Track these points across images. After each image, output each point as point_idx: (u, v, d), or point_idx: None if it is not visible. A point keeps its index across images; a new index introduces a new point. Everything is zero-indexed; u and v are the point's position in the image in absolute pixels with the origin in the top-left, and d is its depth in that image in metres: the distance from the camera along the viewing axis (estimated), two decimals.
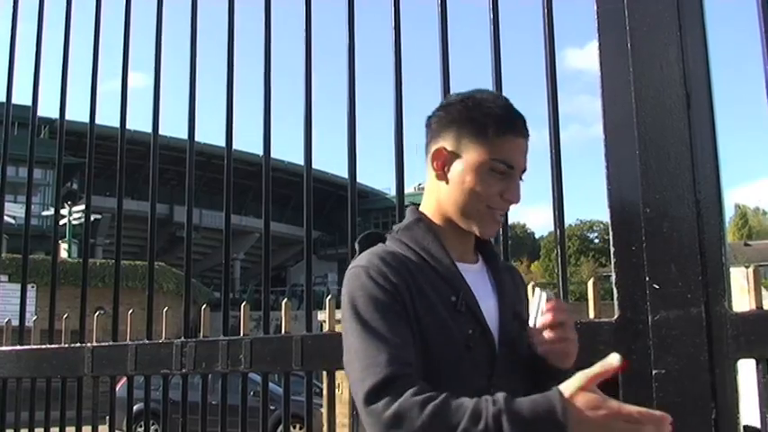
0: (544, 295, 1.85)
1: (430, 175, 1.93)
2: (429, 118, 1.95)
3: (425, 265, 1.81)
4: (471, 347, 1.78)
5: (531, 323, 1.86)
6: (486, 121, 1.83)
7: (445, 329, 1.75)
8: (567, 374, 1.69)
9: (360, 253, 1.89)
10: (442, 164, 1.88)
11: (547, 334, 1.83)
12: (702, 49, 2.69)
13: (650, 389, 2.57)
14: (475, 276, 1.90)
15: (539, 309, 1.85)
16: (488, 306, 1.87)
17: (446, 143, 1.87)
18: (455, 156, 1.86)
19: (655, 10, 2.75)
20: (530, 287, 2.24)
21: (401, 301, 1.72)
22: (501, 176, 1.84)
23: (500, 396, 1.53)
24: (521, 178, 1.89)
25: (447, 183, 1.87)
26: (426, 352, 1.72)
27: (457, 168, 1.85)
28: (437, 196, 1.91)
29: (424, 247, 1.84)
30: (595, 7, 2.85)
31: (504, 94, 3.04)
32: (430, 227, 1.89)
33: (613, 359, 1.49)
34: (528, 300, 2.05)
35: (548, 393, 1.50)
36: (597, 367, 1.50)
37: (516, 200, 1.87)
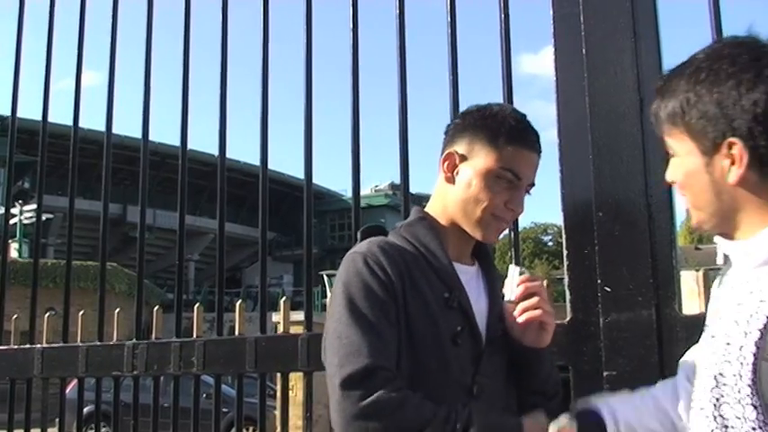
0: (517, 270, 1.90)
1: (439, 177, 1.98)
2: (448, 125, 2.03)
3: (422, 260, 1.86)
4: (458, 344, 1.82)
5: (506, 299, 1.91)
6: (499, 129, 1.89)
7: (434, 323, 1.79)
8: (543, 366, 1.94)
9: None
10: (452, 167, 1.94)
11: (522, 306, 1.88)
12: (656, 56, 2.73)
13: (601, 390, 2.60)
14: (469, 277, 1.94)
15: (513, 284, 1.90)
16: (480, 307, 1.91)
17: (458, 147, 1.94)
18: (465, 159, 1.92)
19: (610, 16, 2.78)
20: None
21: (393, 293, 1.76)
22: (507, 185, 1.89)
23: (472, 407, 1.66)
24: (528, 191, 1.95)
25: (454, 185, 1.93)
26: (413, 344, 1.76)
27: (465, 172, 1.91)
28: (444, 198, 1.97)
29: (424, 243, 1.89)
30: (551, 12, 2.88)
31: (460, 98, 3.06)
32: (431, 225, 1.94)
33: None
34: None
35: (513, 420, 1.73)
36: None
37: (519, 210, 1.93)
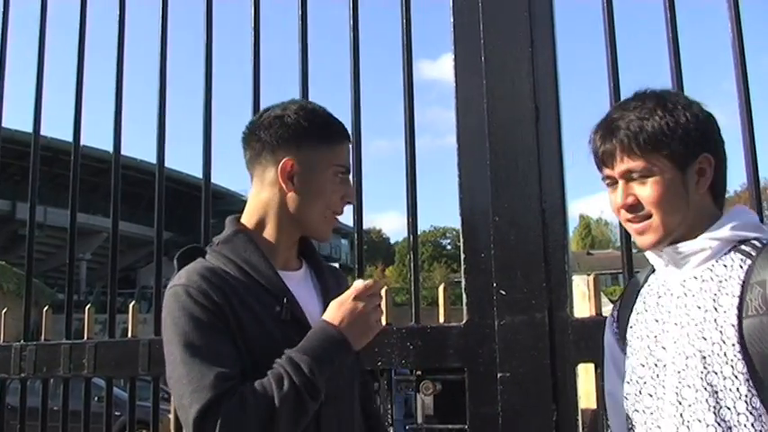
0: (360, 281, 1.87)
1: (257, 187, 1.94)
2: (252, 133, 1.96)
3: (247, 278, 1.82)
4: None
5: None
6: (327, 130, 1.92)
7: (271, 339, 1.76)
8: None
9: (179, 270, 1.87)
10: (289, 175, 1.89)
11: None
12: (552, 65, 2.81)
13: (495, 391, 2.65)
14: (298, 282, 1.92)
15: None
16: (313, 311, 1.89)
17: (289, 155, 1.89)
18: (300, 166, 1.88)
19: (508, 26, 2.85)
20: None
21: (223, 317, 1.73)
22: (341, 180, 1.92)
23: (285, 352, 1.71)
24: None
25: (294, 193, 1.89)
26: (256, 364, 1.72)
27: (305, 178, 1.88)
28: (265, 207, 1.92)
29: (245, 258, 1.84)
30: (451, 20, 2.93)
31: (361, 103, 3.08)
32: (250, 238, 1.89)
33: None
34: None
35: (317, 326, 1.78)
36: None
37: (353, 200, 2.00)
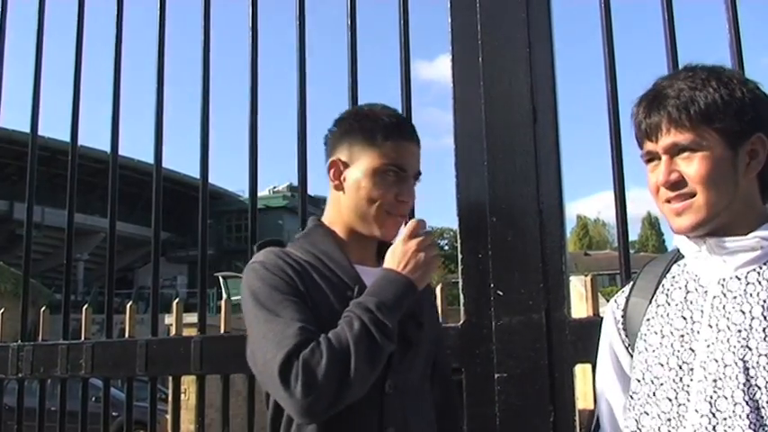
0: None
1: (330, 188, 2.02)
2: (326, 136, 2.06)
3: (321, 265, 1.90)
4: None
5: None
6: (374, 128, 1.94)
7: (338, 321, 1.79)
8: None
9: None
10: (338, 174, 1.98)
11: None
12: (549, 67, 2.81)
13: (493, 392, 2.65)
14: (373, 277, 1.94)
15: None
16: None
17: (340, 155, 1.97)
18: (348, 165, 1.96)
19: (506, 27, 2.85)
20: None
21: (296, 288, 1.81)
22: (395, 179, 1.93)
23: (354, 300, 1.79)
24: (416, 180, 2.00)
25: (344, 192, 1.97)
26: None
27: (352, 177, 1.95)
28: (338, 206, 2.00)
29: (322, 249, 1.93)
30: (449, 21, 2.93)
31: (359, 100, 3.08)
32: (327, 231, 1.98)
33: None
34: (431, 304, 2.20)
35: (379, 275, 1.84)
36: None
37: (411, 200, 1.98)
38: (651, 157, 1.64)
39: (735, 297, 1.54)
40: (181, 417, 3.48)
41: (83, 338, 3.47)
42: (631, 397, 1.69)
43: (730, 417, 1.46)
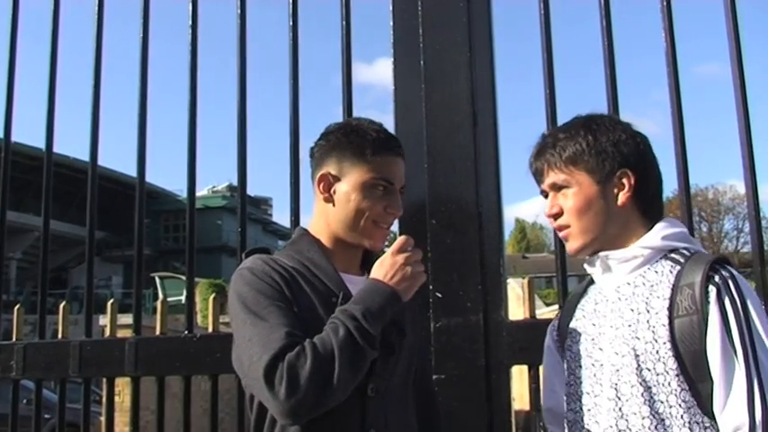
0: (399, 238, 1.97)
1: (317, 199, 2.07)
2: (312, 148, 2.12)
3: (308, 272, 1.96)
4: None
5: None
6: (363, 144, 2.00)
7: (322, 327, 1.83)
8: None
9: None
10: (328, 187, 2.03)
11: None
12: (490, 71, 2.84)
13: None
14: (357, 286, 1.99)
15: None
16: None
17: (330, 168, 2.03)
18: (338, 179, 2.02)
19: (447, 30, 2.87)
20: None
21: (284, 296, 1.86)
22: (383, 193, 2.00)
23: (339, 308, 1.84)
24: (401, 192, 2.07)
25: (334, 204, 2.02)
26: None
27: (341, 190, 2.01)
28: (325, 218, 2.05)
29: (308, 257, 1.99)
30: (391, 23, 2.94)
31: (300, 108, 3.08)
32: (314, 240, 2.04)
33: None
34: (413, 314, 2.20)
35: (365, 285, 1.89)
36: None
37: (399, 212, 2.04)
38: (545, 194, 1.95)
39: (626, 299, 1.81)
40: (115, 419, 3.41)
41: (14, 339, 3.39)
42: (564, 399, 1.94)
43: (630, 397, 1.73)
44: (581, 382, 1.87)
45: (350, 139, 2.03)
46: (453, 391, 2.67)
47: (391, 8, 2.96)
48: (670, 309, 1.71)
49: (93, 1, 3.46)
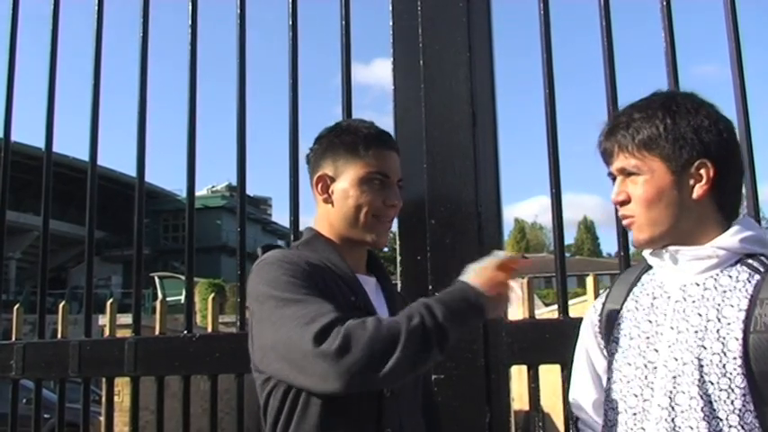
0: (500, 252, 1.93)
1: (318, 203, 2.08)
2: (307, 155, 2.13)
3: (327, 270, 1.92)
4: None
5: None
6: (355, 141, 2.01)
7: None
8: None
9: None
10: (326, 188, 2.04)
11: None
12: (489, 71, 2.84)
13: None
14: (369, 287, 2.02)
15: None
16: (381, 313, 1.96)
17: (325, 170, 2.04)
18: (335, 179, 2.02)
19: (447, 30, 2.87)
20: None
21: (317, 284, 1.82)
22: (379, 186, 2.00)
23: (421, 299, 1.77)
24: (399, 186, 2.06)
25: (333, 204, 2.02)
26: None
27: (339, 188, 2.01)
28: (327, 219, 2.05)
29: (325, 256, 1.97)
30: (390, 24, 2.93)
31: (299, 108, 3.08)
32: (328, 240, 2.02)
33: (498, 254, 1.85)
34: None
35: (455, 285, 1.83)
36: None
37: (399, 204, 2.03)
38: (613, 177, 1.79)
39: (693, 301, 1.66)
40: (114, 419, 3.41)
41: (14, 339, 3.39)
42: (606, 394, 1.81)
43: (687, 410, 1.59)
44: (628, 381, 1.73)
45: (342, 138, 2.04)
46: (453, 391, 2.67)
47: (391, 8, 2.96)
48: (746, 322, 1.57)
49: (93, 1, 3.47)
